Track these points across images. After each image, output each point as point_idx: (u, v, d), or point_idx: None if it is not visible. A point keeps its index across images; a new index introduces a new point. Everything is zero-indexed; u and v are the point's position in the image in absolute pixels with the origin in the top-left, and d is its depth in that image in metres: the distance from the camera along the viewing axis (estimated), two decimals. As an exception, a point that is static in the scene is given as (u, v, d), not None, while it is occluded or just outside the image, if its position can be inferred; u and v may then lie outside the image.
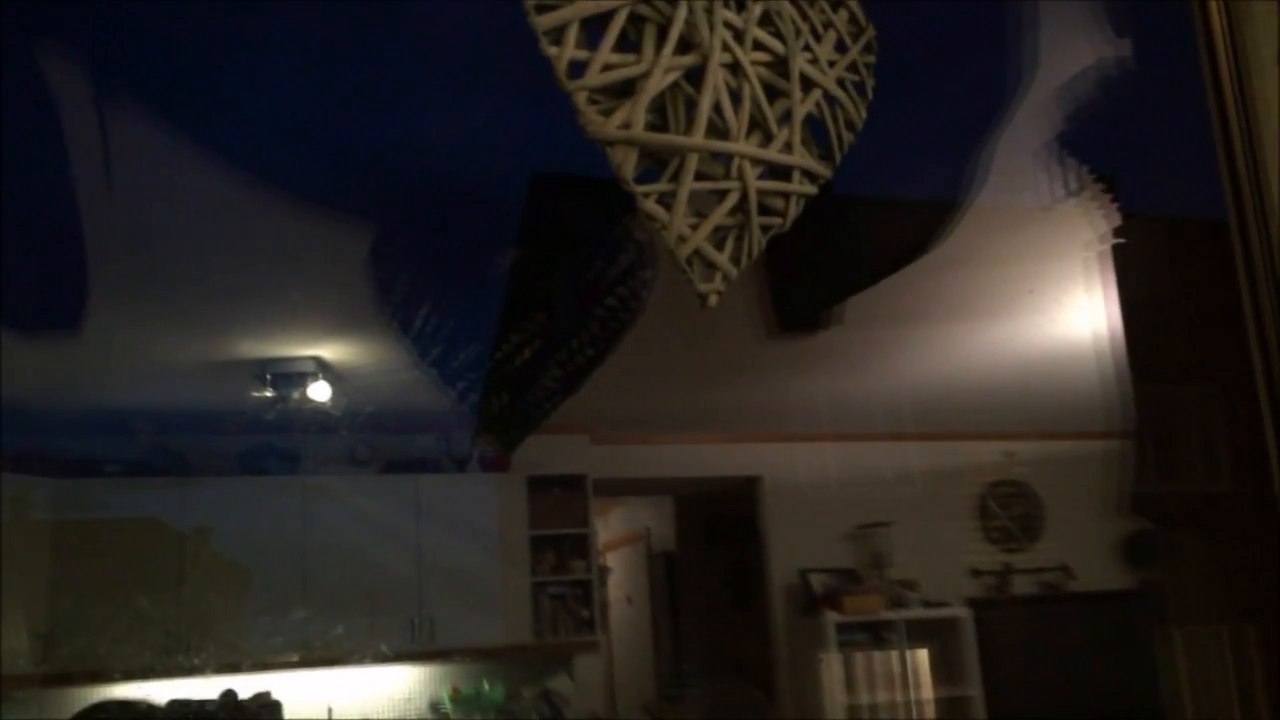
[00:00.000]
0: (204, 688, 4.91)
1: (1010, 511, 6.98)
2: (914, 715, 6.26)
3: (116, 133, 2.47)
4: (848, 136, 1.07)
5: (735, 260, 0.99)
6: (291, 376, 4.64)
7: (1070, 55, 2.29)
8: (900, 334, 4.66)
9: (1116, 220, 2.43)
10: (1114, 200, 2.46)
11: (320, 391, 4.70)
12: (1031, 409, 6.02)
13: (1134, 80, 2.29)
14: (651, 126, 0.95)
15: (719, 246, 0.98)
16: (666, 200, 0.96)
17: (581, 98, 0.93)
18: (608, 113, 0.94)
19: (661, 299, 1.80)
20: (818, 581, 6.49)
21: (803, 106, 1.02)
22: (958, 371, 5.37)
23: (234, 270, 3.67)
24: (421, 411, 5.12)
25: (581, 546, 6.07)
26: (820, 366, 5.24)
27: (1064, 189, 2.60)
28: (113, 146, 2.50)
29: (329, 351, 4.55)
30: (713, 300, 0.98)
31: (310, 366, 4.61)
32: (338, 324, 4.23)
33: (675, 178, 0.96)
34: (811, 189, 1.04)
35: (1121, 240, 2.41)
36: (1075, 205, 2.62)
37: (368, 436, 5.73)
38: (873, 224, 2.03)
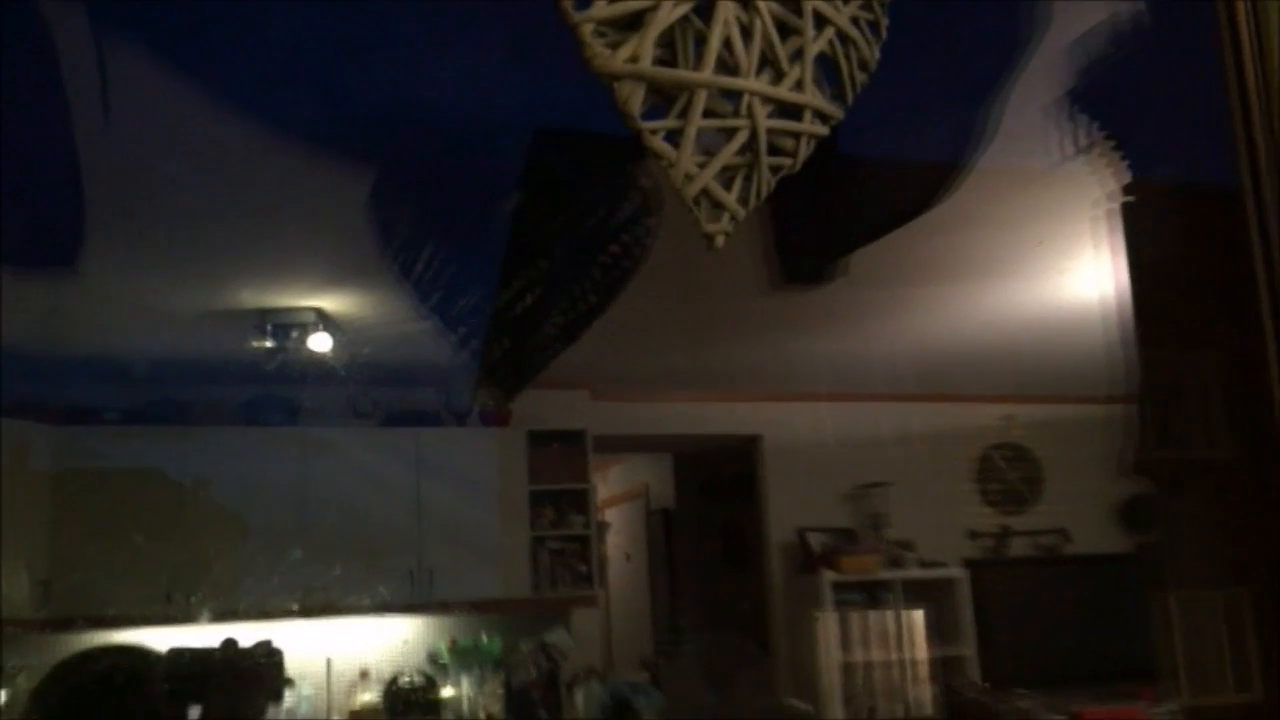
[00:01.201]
0: (204, 635, 4.94)
1: (1009, 474, 6.99)
2: (908, 674, 6.30)
3: (115, 75, 2.44)
4: (860, 77, 1.05)
5: (743, 201, 0.97)
6: (292, 327, 4.62)
7: (1083, 11, 2.26)
8: (903, 294, 4.64)
9: (1125, 179, 2.41)
10: (1124, 159, 2.43)
11: (321, 343, 4.68)
12: (1033, 372, 6.01)
13: (1148, 38, 2.25)
14: (659, 61, 0.93)
15: (727, 186, 0.96)
16: (673, 138, 0.94)
17: (587, 30, 0.90)
18: (614, 46, 0.91)
19: (664, 254, 1.78)
20: (815, 540, 6.51)
21: (815, 44, 0.99)
22: (960, 333, 5.36)
23: (235, 218, 3.65)
24: (422, 365, 5.11)
25: (580, 502, 6.09)
26: (822, 326, 5.23)
27: (1073, 146, 2.58)
28: (111, 89, 2.47)
29: (330, 303, 4.53)
30: (719, 241, 0.96)
31: (311, 317, 4.59)
32: (339, 274, 4.21)
33: (683, 115, 0.94)
34: (823, 129, 1.02)
35: (1130, 199, 2.39)
36: (1083, 163, 2.59)
37: (368, 389, 5.72)
38: (877, 177, 2.01)
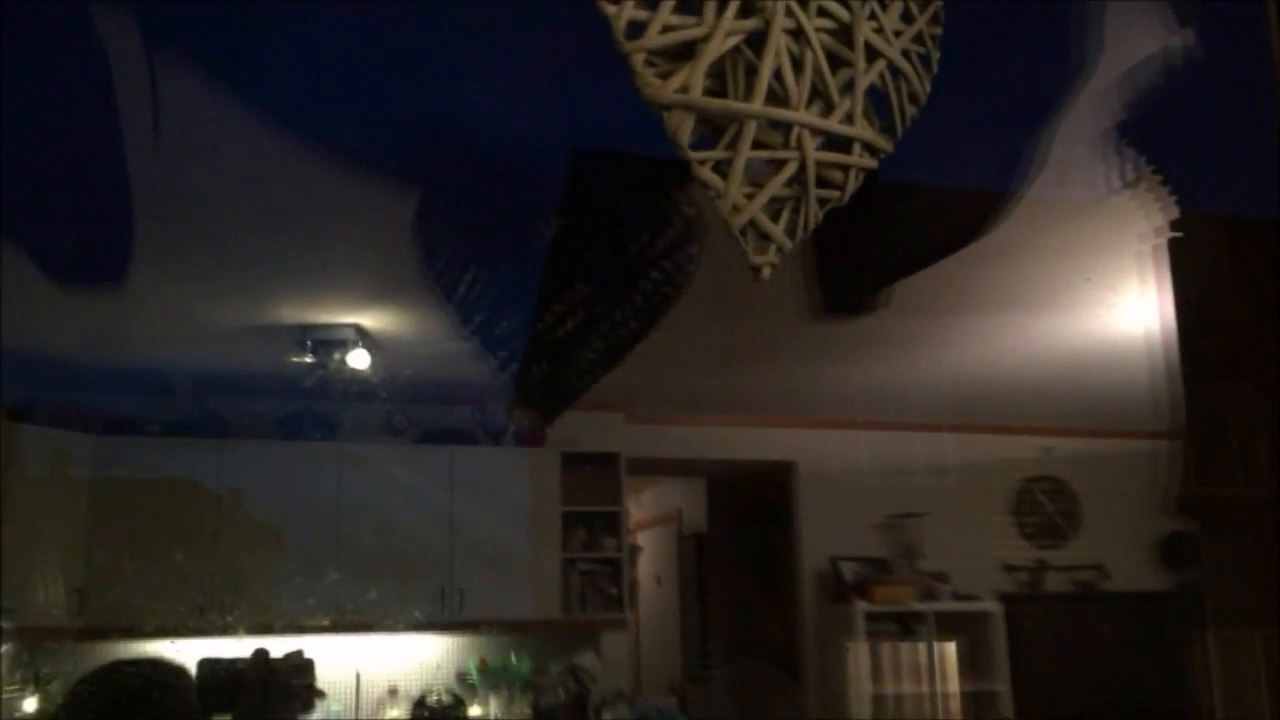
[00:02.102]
0: (235, 647, 4.96)
1: (1046, 508, 6.91)
2: (940, 707, 6.22)
3: (164, 91, 2.47)
4: (910, 110, 1.04)
5: (790, 232, 0.96)
6: (332, 343, 4.65)
7: (1133, 44, 2.24)
8: (945, 323, 4.61)
9: (1173, 214, 2.38)
10: (1172, 193, 2.41)
11: (359, 359, 4.71)
12: (1073, 405, 5.95)
13: (1198, 72, 2.23)
14: (710, 92, 0.93)
15: (774, 218, 0.95)
16: (722, 168, 0.93)
17: (639, 59, 0.90)
18: (665, 76, 0.91)
19: (702, 278, 1.78)
20: (848, 569, 6.46)
21: (866, 77, 0.99)
22: (1000, 364, 5.31)
23: (277, 234, 3.68)
24: (459, 383, 5.12)
25: (613, 524, 6.07)
26: (859, 353, 5.20)
27: (1120, 180, 2.55)
28: (160, 105, 2.50)
29: (369, 320, 4.56)
30: (766, 273, 0.95)
31: (350, 334, 4.63)
32: (379, 292, 4.23)
33: (732, 145, 0.93)
34: (871, 162, 1.01)
35: (1178, 234, 2.36)
36: (1131, 198, 2.56)
37: (405, 406, 5.74)
38: (923, 208, 1.99)
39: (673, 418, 6.39)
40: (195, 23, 2.26)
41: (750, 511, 7.42)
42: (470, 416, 5.87)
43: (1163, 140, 2.39)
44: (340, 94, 2.53)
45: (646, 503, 8.37)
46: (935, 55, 1.07)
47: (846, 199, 1.00)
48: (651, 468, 6.97)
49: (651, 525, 8.44)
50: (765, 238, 0.95)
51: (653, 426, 6.31)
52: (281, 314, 4.48)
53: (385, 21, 2.21)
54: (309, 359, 4.65)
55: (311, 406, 5.55)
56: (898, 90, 1.03)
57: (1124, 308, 4.24)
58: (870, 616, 6.24)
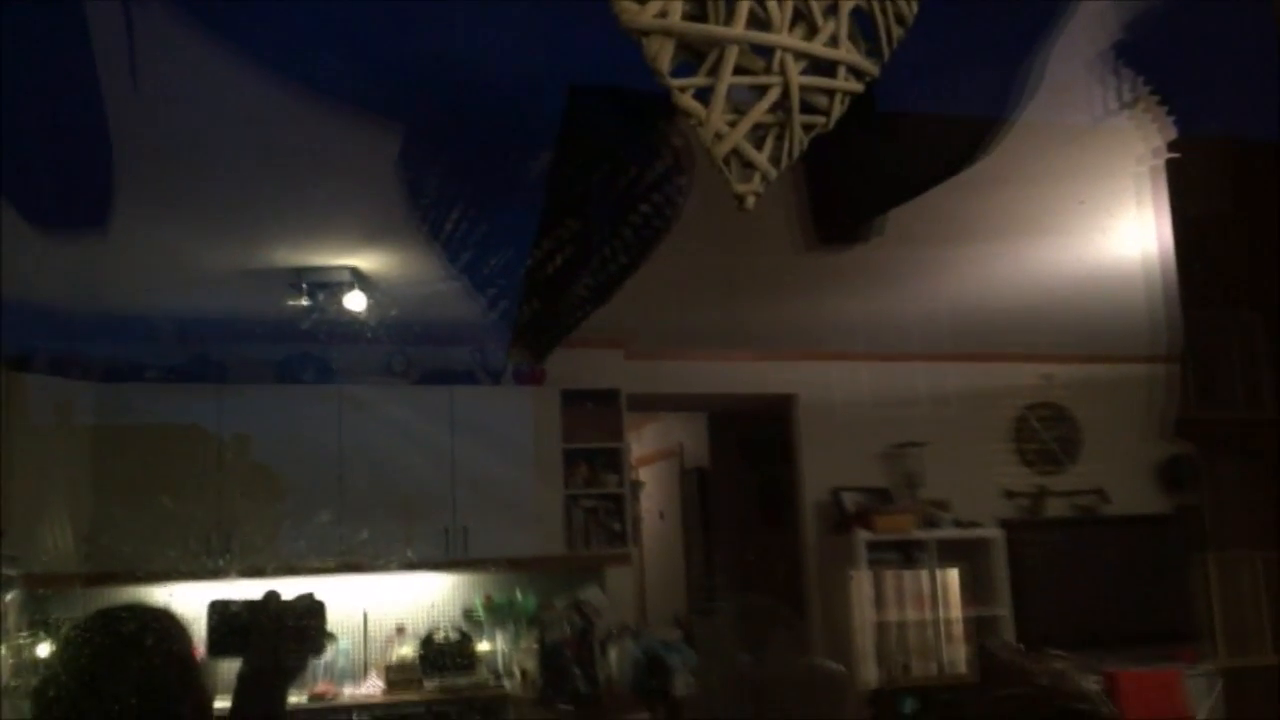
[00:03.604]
0: (242, 590, 4.98)
1: (1046, 434, 6.93)
2: (942, 633, 6.29)
3: (150, 35, 2.43)
4: (897, 31, 1.02)
5: (775, 160, 0.94)
6: (328, 286, 4.63)
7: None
8: (942, 252, 4.58)
9: (1171, 134, 2.35)
10: (1170, 114, 2.37)
11: (356, 301, 4.70)
12: (1072, 331, 5.94)
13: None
14: (689, 16, 0.90)
15: (758, 145, 0.94)
16: (704, 95, 0.91)
17: (616, -16, 0.88)
18: (643, 1, 0.89)
19: (699, 211, 1.76)
20: (850, 500, 6.49)
21: (850, -2, 0.96)
22: (998, 292, 5.29)
23: (270, 177, 3.65)
24: (457, 323, 5.11)
25: (614, 460, 6.10)
26: (858, 285, 5.18)
27: (1117, 101, 2.52)
28: (147, 48, 2.47)
29: (365, 262, 4.54)
30: (750, 202, 0.93)
31: (346, 276, 4.61)
32: (373, 233, 4.20)
33: (713, 71, 0.91)
34: (857, 86, 0.99)
35: (1176, 155, 2.33)
36: (1128, 119, 2.53)
37: (404, 347, 5.74)
38: (915, 134, 1.97)
39: (672, 353, 6.39)
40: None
41: (752, 445, 7.45)
42: (469, 356, 5.87)
43: (1160, 61, 2.35)
44: (330, 32, 2.49)
45: (648, 438, 8.40)
46: (922, -27, 1.04)
47: (832, 124, 0.98)
48: (652, 403, 6.98)
49: (653, 461, 8.48)
50: (749, 166, 0.93)
51: (652, 362, 6.31)
52: (276, 257, 4.46)
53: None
54: (305, 302, 4.63)
55: (309, 350, 5.54)
56: (883, 11, 1.00)
57: (1122, 231, 4.21)
58: (872, 546, 6.28)
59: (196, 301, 5.02)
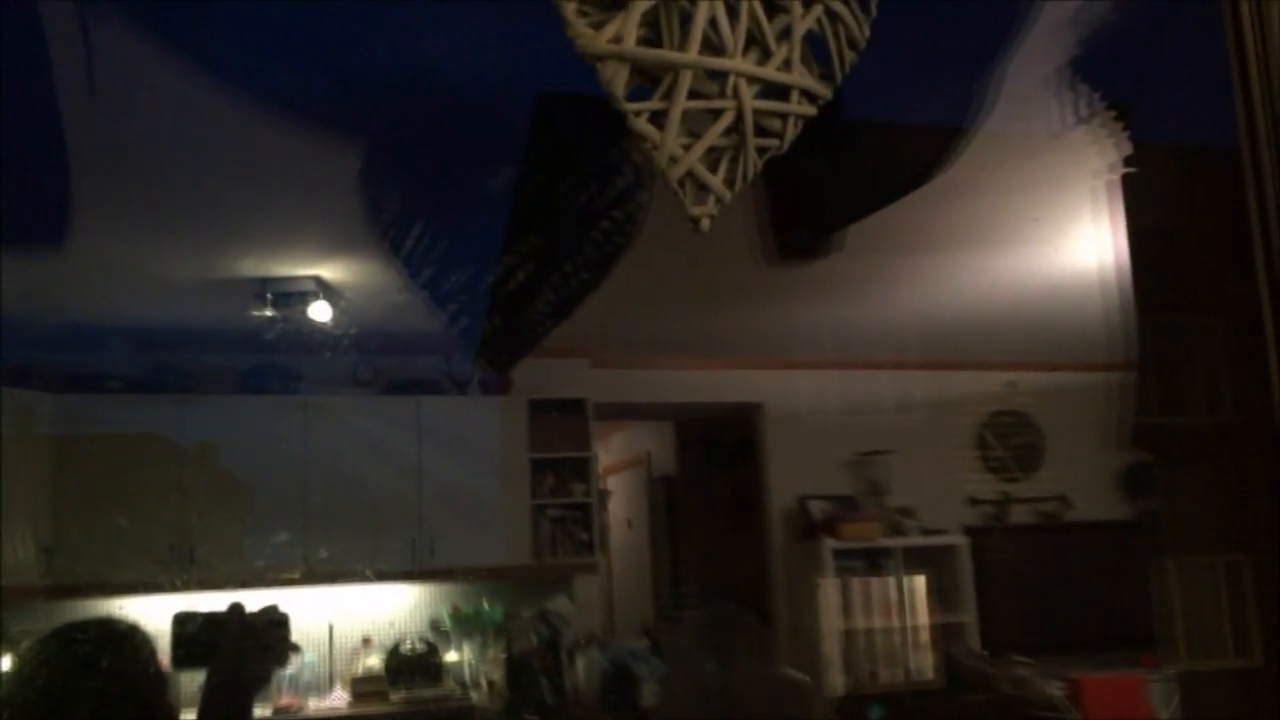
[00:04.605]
0: (207, 602, 4.94)
1: (1010, 441, 6.98)
2: (909, 640, 6.32)
3: (112, 43, 2.42)
4: (849, 55, 1.03)
5: (729, 183, 0.96)
6: (292, 296, 4.61)
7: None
8: (904, 262, 4.62)
9: (1127, 149, 2.38)
10: (1125, 128, 2.41)
11: (321, 311, 4.68)
12: (1035, 339, 5.99)
13: (1151, 6, 2.23)
14: (644, 41, 0.92)
15: (712, 168, 0.95)
16: (659, 119, 0.93)
17: (570, 9, 0.89)
18: (598, 26, 0.90)
19: (664, 221, 1.77)
20: (816, 508, 6.52)
21: (803, 23, 0.98)
22: (962, 301, 5.34)
23: (234, 187, 3.64)
24: (423, 333, 5.10)
25: (582, 470, 6.10)
26: (824, 293, 5.21)
27: (1074, 115, 2.55)
28: (109, 57, 2.46)
29: (330, 271, 4.52)
30: (705, 224, 0.95)
31: (311, 286, 4.59)
32: (338, 244, 4.19)
33: (668, 96, 0.92)
34: (810, 109, 1.00)
35: (1131, 169, 2.36)
36: (1085, 133, 2.56)
37: (370, 357, 5.72)
38: (876, 149, 1.99)
39: (639, 362, 6.40)
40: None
41: (719, 453, 7.46)
42: (436, 366, 5.86)
43: (1116, 75, 2.39)
44: (294, 43, 2.49)
45: (615, 447, 8.40)
46: (874, -2, 1.06)
47: (786, 147, 0.99)
48: (619, 412, 6.98)
49: (621, 469, 8.48)
50: (704, 188, 0.94)
51: (619, 371, 6.32)
52: (240, 267, 4.43)
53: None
54: (270, 312, 4.61)
55: (274, 360, 5.52)
56: (836, 35, 1.02)
57: (1081, 242, 4.26)
58: (839, 553, 6.31)
59: (160, 312, 4.98)
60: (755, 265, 4.34)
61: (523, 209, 1.76)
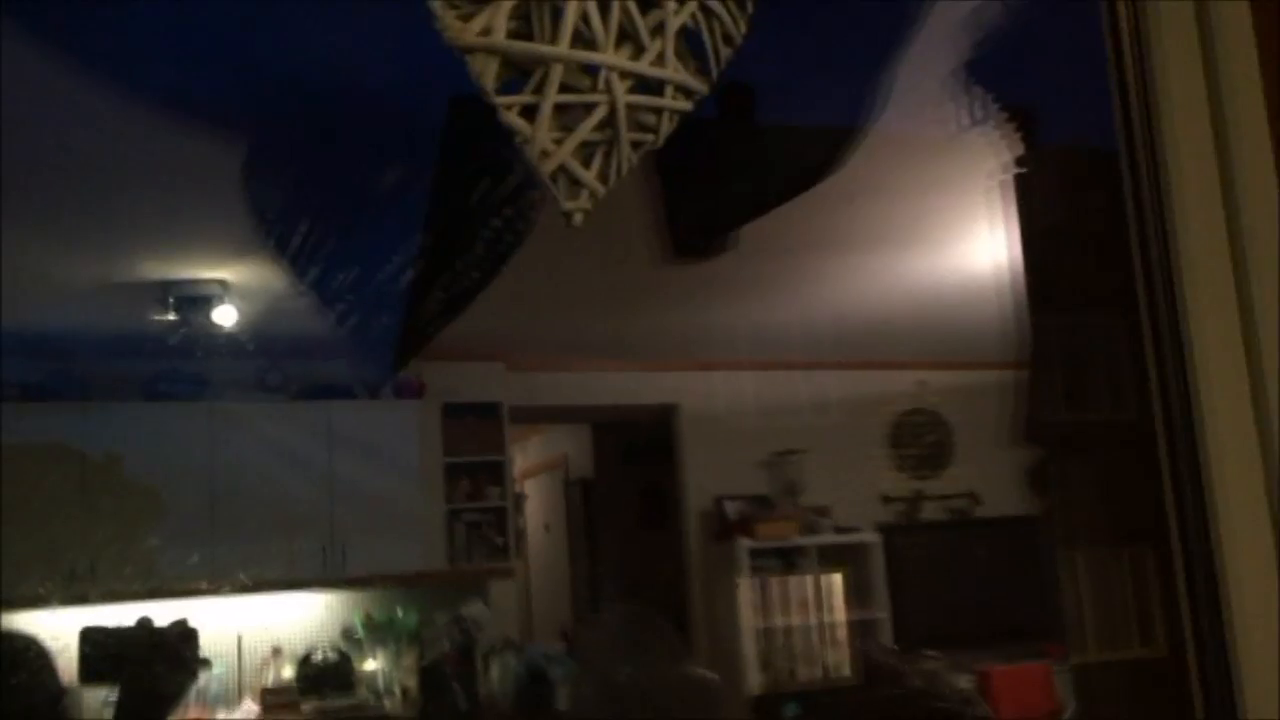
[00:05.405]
0: (113, 615, 4.83)
1: (921, 440, 7.10)
2: (826, 638, 6.39)
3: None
4: (725, 51, 1.04)
5: (603, 178, 0.96)
6: (196, 299, 4.52)
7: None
8: (814, 262, 4.68)
9: (1020, 150, 2.44)
10: (1019, 130, 2.46)
11: (225, 315, 4.59)
12: (942, 339, 6.10)
13: (1041, 9, 2.28)
14: (515, 34, 0.91)
15: (586, 163, 0.95)
16: (531, 113, 0.92)
17: (438, 3, 0.88)
18: (467, 18, 0.90)
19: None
20: (732, 508, 6.56)
21: (677, 18, 0.98)
22: (872, 301, 5.42)
23: (130, 190, 3.56)
24: (333, 337, 5.03)
25: (497, 474, 6.07)
26: (737, 294, 5.25)
27: (970, 118, 2.60)
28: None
29: (234, 274, 4.44)
30: (578, 219, 0.95)
31: (215, 289, 4.50)
32: (242, 247, 4.11)
33: (539, 89, 0.92)
34: (686, 105, 1.01)
35: (1023, 170, 2.42)
36: (981, 135, 2.61)
37: (279, 361, 5.63)
38: (767, 149, 2.01)
39: (555, 365, 6.38)
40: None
41: (635, 455, 7.48)
42: (346, 370, 5.79)
43: (1011, 77, 2.44)
44: (190, 42, 2.45)
45: (532, 450, 8.37)
46: (750, -6, 1.07)
47: (661, 142, 1.00)
48: (535, 416, 6.96)
49: (538, 472, 8.45)
50: (577, 183, 0.94)
51: (535, 374, 6.30)
52: (141, 270, 4.34)
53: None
54: (172, 316, 4.51)
55: (179, 366, 5.40)
56: (711, 31, 1.03)
57: (978, 243, 4.35)
58: (754, 553, 6.36)
59: (58, 317, 4.85)
60: (666, 266, 4.36)
61: (407, 209, 1.75)
